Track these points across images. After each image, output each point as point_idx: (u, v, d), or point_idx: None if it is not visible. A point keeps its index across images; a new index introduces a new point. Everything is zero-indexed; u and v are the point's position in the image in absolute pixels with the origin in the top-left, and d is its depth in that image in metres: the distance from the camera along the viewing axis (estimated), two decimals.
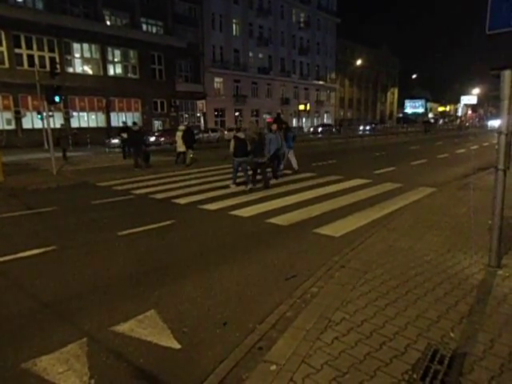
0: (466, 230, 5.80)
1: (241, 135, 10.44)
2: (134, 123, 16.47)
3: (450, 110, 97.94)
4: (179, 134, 15.22)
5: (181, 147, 15.43)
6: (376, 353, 2.84)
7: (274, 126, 11.36)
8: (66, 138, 18.71)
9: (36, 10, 28.16)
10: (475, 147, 22.09)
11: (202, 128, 35.88)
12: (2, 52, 26.51)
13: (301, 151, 21.56)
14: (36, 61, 26.70)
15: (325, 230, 6.24)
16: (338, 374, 2.62)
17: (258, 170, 10.41)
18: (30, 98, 27.56)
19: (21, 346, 3.22)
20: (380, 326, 3.20)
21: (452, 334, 3.05)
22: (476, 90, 67.57)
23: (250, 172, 10.43)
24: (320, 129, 38.20)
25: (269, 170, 10.82)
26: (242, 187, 10.14)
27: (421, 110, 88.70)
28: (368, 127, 49.65)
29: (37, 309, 3.87)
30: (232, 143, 10.32)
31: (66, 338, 3.29)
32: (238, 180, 10.62)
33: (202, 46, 39.74)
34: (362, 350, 2.88)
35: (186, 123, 20.70)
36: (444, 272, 4.26)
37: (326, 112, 60.15)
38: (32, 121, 27.87)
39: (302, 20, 53.99)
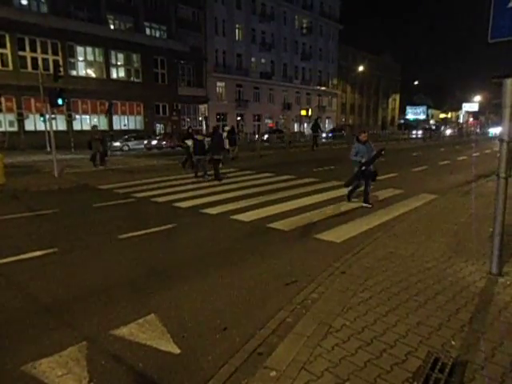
0: (468, 237, 5.79)
1: (199, 137, 13.16)
2: (94, 126, 19.71)
3: (451, 117, 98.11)
4: (225, 135, 18.52)
5: (226, 145, 18.42)
6: (376, 360, 2.83)
7: (364, 136, 8.47)
8: (99, 140, 16.53)
9: (40, 13, 28.38)
10: (477, 154, 22.09)
11: (204, 132, 35.99)
12: (6, 54, 26.69)
13: (303, 157, 21.59)
14: (40, 63, 26.91)
15: (326, 236, 6.23)
16: (339, 381, 2.61)
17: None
18: (33, 101, 27.70)
19: (20, 348, 3.22)
20: (381, 333, 3.18)
21: (453, 342, 3.03)
22: (477, 98, 67.74)
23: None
24: (266, 136, 31.72)
25: (356, 188, 8.69)
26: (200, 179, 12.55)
27: (422, 117, 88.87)
28: (330, 134, 42.83)
29: (37, 311, 3.87)
30: (192, 144, 13.10)
31: (65, 341, 3.28)
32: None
33: (204, 50, 39.97)
34: (362, 357, 2.86)
35: (231, 124, 24.25)
36: (445, 279, 4.25)
37: (328, 117, 60.30)
38: (35, 123, 28.00)
39: (304, 26, 54.29)
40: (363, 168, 8.35)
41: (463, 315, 3.46)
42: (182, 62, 37.22)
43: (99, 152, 16.53)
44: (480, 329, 3.22)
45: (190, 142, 15.45)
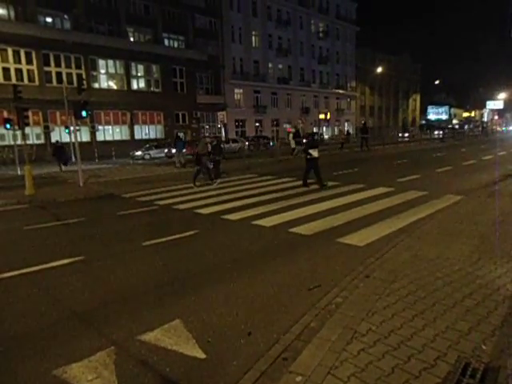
0: (496, 238, 5.61)
1: (205, 141, 15.23)
2: (57, 141, 22.03)
3: (475, 116, 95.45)
4: (291, 136, 22.87)
5: (292, 144, 22.75)
6: (404, 365, 2.78)
7: None
8: (206, 155, 13.37)
9: (64, 29, 29.43)
10: (503, 153, 21.41)
11: (223, 139, 36.30)
12: (32, 70, 27.74)
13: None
14: (64, 78, 27.83)
15: (349, 240, 6.16)
16: None
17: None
18: (58, 114, 28.63)
19: (52, 353, 3.32)
20: (408, 338, 3.12)
21: (484, 347, 2.94)
22: (502, 95, 65.70)
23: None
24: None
25: None
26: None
27: (444, 117, 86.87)
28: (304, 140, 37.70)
29: (66, 317, 3.98)
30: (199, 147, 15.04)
31: (94, 346, 3.37)
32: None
33: (222, 58, 40.42)
34: (389, 362, 2.82)
35: (296, 127, 29.15)
36: (474, 282, 4.13)
37: (347, 120, 59.77)
38: (60, 135, 28.90)
39: (321, 30, 54.22)
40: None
41: (494, 319, 3.35)
42: (200, 70, 37.73)
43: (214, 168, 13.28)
44: None
45: (315, 153, 11.37)
